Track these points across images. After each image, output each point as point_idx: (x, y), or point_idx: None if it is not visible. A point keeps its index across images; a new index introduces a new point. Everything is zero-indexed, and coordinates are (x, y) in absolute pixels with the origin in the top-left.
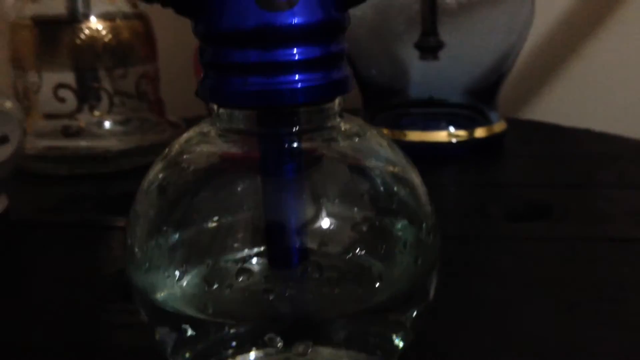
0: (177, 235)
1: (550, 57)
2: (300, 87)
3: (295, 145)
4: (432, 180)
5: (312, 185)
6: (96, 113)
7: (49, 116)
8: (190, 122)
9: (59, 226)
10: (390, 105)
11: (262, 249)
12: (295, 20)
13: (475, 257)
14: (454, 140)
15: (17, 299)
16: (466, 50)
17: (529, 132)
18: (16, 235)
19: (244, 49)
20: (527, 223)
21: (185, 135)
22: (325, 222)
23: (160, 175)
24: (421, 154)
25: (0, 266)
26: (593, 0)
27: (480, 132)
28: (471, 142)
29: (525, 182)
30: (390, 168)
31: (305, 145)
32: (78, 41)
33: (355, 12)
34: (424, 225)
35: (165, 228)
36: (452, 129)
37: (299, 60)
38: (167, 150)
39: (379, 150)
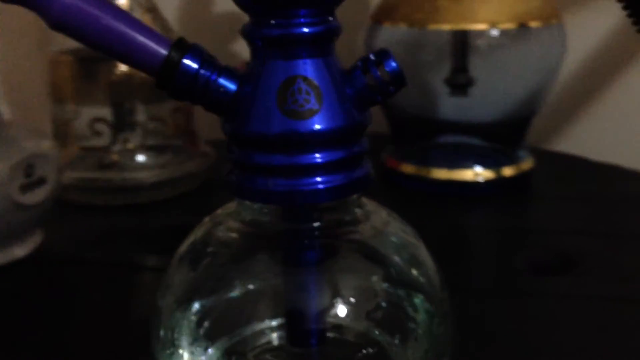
0: (200, 305)
1: (582, 89)
2: (323, 188)
3: (315, 239)
4: (456, 224)
5: (330, 274)
6: (130, 145)
7: (85, 149)
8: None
9: (95, 263)
10: (418, 140)
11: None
12: (318, 127)
13: (496, 315)
14: (480, 179)
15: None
16: (496, 87)
17: (558, 166)
18: (51, 272)
19: (269, 152)
20: (550, 277)
21: (213, 216)
22: (341, 310)
23: (191, 248)
24: (446, 192)
25: (31, 306)
26: (626, 33)
27: (507, 171)
28: (498, 182)
29: (553, 229)
30: (406, 253)
31: (325, 239)
32: (115, 77)
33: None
34: (435, 314)
35: (191, 297)
36: (478, 168)
37: (321, 163)
38: (198, 226)
39: (394, 239)
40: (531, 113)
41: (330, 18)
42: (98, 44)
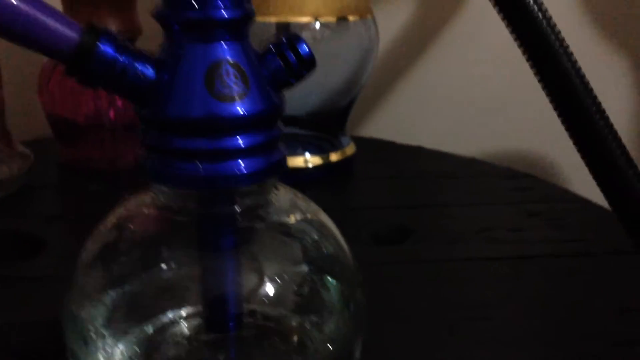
0: (114, 295)
1: (385, 80)
2: (245, 173)
3: (234, 223)
4: None
5: (249, 256)
6: None
7: None
8: (37, 147)
9: None
10: None
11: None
12: (244, 110)
13: None
14: (310, 165)
15: None
16: (318, 79)
17: (372, 151)
18: None
19: (190, 136)
20: (393, 246)
21: (124, 206)
22: (262, 288)
23: (102, 237)
24: (280, 179)
25: None
26: (418, 29)
27: (334, 157)
28: (326, 167)
29: (383, 205)
30: (316, 234)
31: (243, 223)
32: None
33: None
34: (350, 285)
35: (105, 288)
36: (307, 155)
37: (244, 147)
38: (106, 220)
39: (306, 217)
40: (350, 102)
41: (247, 1)
42: (3, 28)
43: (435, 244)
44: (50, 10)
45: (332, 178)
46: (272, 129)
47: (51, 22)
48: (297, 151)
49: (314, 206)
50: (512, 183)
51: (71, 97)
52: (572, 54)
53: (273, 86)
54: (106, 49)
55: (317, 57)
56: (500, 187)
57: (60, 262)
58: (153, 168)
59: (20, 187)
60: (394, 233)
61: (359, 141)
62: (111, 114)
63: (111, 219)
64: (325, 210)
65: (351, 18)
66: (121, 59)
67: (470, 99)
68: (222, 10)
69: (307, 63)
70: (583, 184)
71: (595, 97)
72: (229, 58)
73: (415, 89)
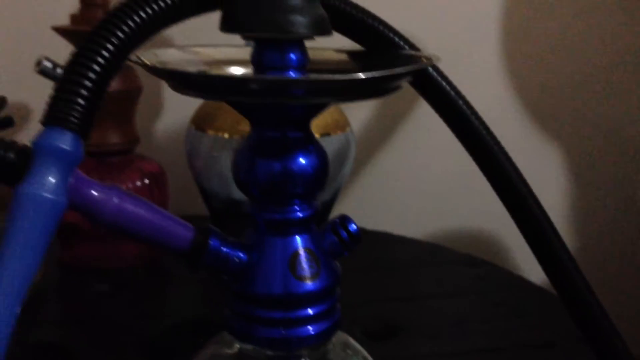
0: None
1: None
2: (313, 334)
3: None
4: None
5: None
6: None
7: None
8: None
9: None
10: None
11: None
12: (315, 287)
13: None
14: None
15: None
16: None
17: None
18: None
19: (271, 308)
20: (384, 342)
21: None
22: None
23: None
24: None
25: None
26: (384, 121)
27: None
28: None
29: (366, 299)
30: None
31: None
32: None
33: None
34: None
35: None
36: None
37: (313, 315)
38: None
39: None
40: (333, 199)
41: (315, 202)
42: (139, 235)
43: (419, 338)
44: (167, 216)
45: None
46: (334, 296)
47: (170, 226)
48: None
49: (358, 345)
50: (474, 271)
51: None
52: (499, 143)
53: (332, 257)
54: (214, 244)
55: None
56: (464, 276)
57: None
58: (240, 330)
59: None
60: (383, 329)
61: None
62: None
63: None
64: None
65: (332, 133)
66: (224, 249)
67: (429, 185)
68: (299, 213)
69: (357, 239)
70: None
71: (524, 182)
72: (305, 247)
73: (377, 176)
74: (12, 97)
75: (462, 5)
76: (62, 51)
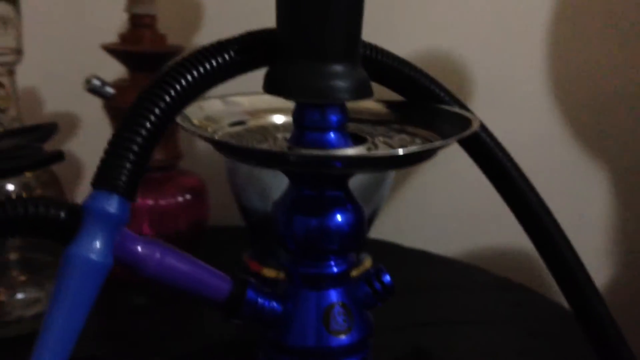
0: None
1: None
2: None
3: None
4: None
5: None
6: None
7: None
8: None
9: None
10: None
11: None
12: (349, 341)
13: None
14: None
15: None
16: None
17: (380, 256)
18: None
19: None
20: None
21: None
22: None
23: None
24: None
25: None
26: None
27: (354, 272)
28: None
29: (395, 324)
30: None
31: None
32: None
33: None
34: None
35: None
36: None
37: None
38: None
39: None
40: (372, 218)
41: (351, 256)
42: (179, 288)
43: None
44: (206, 268)
45: None
46: (367, 348)
47: (209, 278)
48: None
49: None
50: (510, 297)
51: None
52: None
53: (365, 308)
54: (251, 295)
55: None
56: (499, 302)
57: None
58: None
59: None
60: (413, 356)
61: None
62: (145, 226)
63: None
64: None
65: None
66: (260, 300)
67: (466, 205)
68: (334, 268)
69: (390, 290)
70: None
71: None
72: (338, 301)
73: (415, 194)
74: (60, 114)
75: (507, 22)
76: (110, 70)
